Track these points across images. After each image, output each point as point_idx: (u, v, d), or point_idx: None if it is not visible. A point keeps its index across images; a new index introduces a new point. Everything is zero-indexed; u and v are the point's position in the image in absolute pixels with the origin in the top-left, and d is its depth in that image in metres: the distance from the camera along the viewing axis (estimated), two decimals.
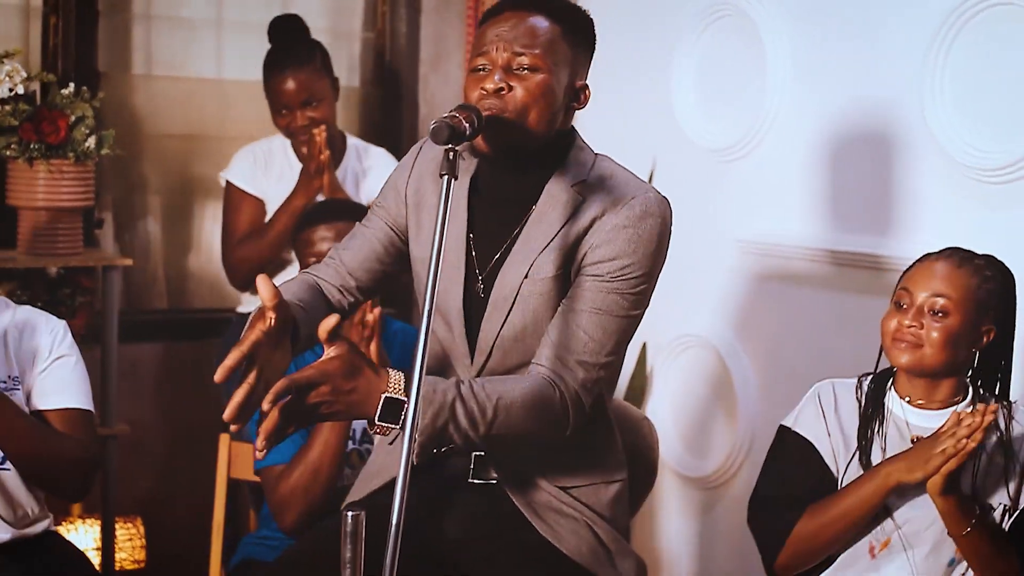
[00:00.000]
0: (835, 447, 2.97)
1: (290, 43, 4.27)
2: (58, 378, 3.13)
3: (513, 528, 2.66)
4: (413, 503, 2.14)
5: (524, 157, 2.60)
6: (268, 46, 4.81)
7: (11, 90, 3.82)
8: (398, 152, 4.82)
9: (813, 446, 2.98)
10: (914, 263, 2.98)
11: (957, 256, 2.92)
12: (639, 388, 4.47)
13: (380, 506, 2.19)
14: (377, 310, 3.20)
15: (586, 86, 2.66)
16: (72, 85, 4.04)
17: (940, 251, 2.96)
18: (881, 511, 2.89)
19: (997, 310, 2.92)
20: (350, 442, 3.44)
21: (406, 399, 2.33)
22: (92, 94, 4.07)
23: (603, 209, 2.58)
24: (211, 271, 4.90)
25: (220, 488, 3.61)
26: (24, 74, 3.87)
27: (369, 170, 4.37)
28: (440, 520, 2.70)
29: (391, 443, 2.62)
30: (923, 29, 3.64)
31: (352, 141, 4.37)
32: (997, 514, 2.89)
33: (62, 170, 3.94)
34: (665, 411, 4.44)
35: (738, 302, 4.27)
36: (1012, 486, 2.89)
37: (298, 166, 4.24)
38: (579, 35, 2.63)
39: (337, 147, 4.27)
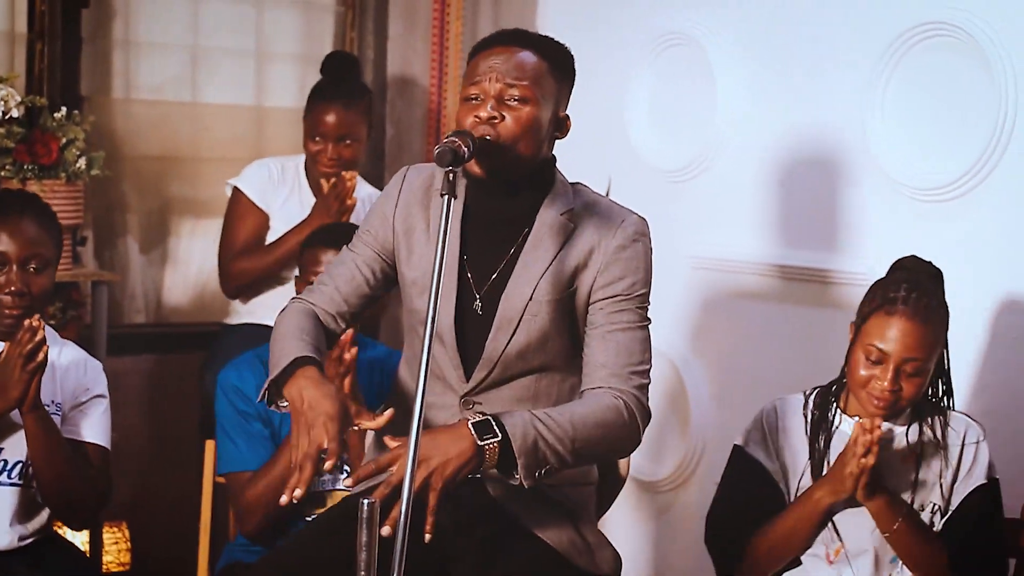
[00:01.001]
0: (784, 466, 3.12)
1: (344, 79, 4.33)
2: (91, 415, 3.29)
3: (499, 518, 2.78)
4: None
5: (513, 182, 2.74)
6: (241, 71, 4.84)
7: (5, 113, 3.89)
8: (364, 170, 4.83)
9: (763, 466, 3.13)
10: (879, 308, 3.01)
11: (921, 309, 2.98)
12: None
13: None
14: (354, 350, 3.20)
15: (567, 117, 2.81)
16: (64, 109, 4.11)
17: (901, 300, 2.99)
18: (828, 525, 3.05)
19: (945, 340, 3.08)
20: None
21: (486, 415, 2.53)
22: (80, 118, 4.15)
23: (598, 237, 2.75)
24: (188, 287, 4.93)
25: (207, 492, 3.67)
26: (18, 98, 3.93)
27: None
28: None
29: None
30: (866, 58, 3.74)
31: (362, 184, 4.38)
32: (927, 515, 3.04)
33: (54, 190, 4.00)
34: None
35: (692, 315, 4.33)
36: (945, 488, 3.05)
37: (307, 189, 4.28)
38: (563, 70, 2.78)
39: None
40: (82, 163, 4.07)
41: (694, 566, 4.29)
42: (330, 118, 4.20)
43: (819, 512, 3.03)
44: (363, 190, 4.39)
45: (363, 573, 2.20)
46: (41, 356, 3.00)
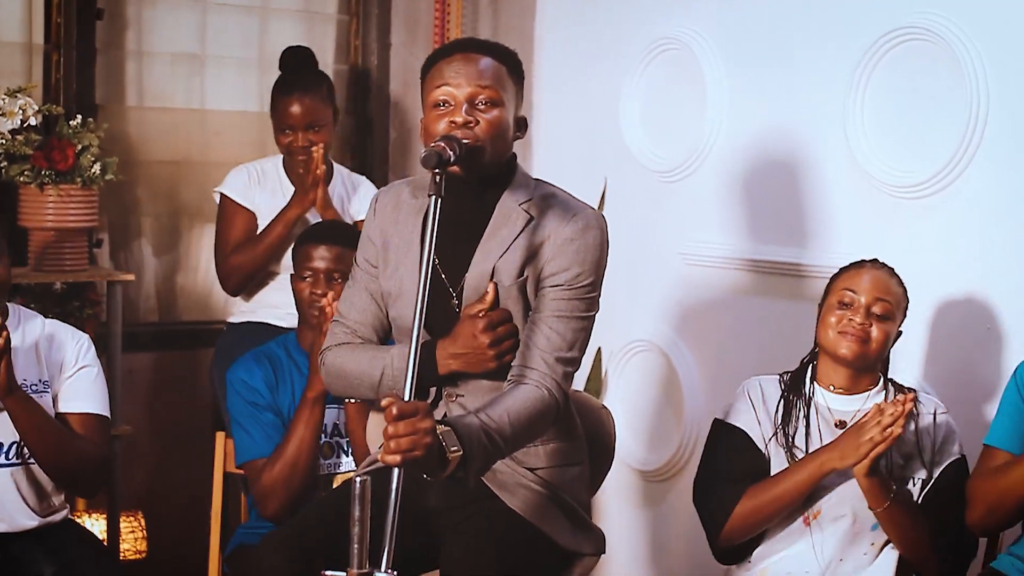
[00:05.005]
0: (764, 433, 3.28)
1: (301, 71, 4.41)
2: (81, 386, 3.41)
3: (483, 499, 2.92)
4: (402, 479, 2.44)
5: (481, 180, 2.85)
6: (246, 79, 4.91)
7: (23, 122, 3.99)
8: (369, 171, 4.99)
9: (746, 433, 3.28)
10: (848, 268, 3.26)
11: (886, 268, 3.24)
12: (595, 389, 4.60)
13: (377, 479, 2.45)
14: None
15: (525, 118, 2.94)
16: (79, 117, 4.19)
17: (868, 261, 3.27)
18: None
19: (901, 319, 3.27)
20: (323, 435, 3.62)
21: (448, 425, 2.58)
22: (95, 125, 4.23)
23: (551, 229, 2.84)
24: (198, 287, 5.00)
25: (217, 481, 3.77)
26: (36, 107, 4.02)
27: (358, 188, 4.49)
28: (422, 493, 2.95)
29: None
30: (846, 62, 3.85)
31: (338, 168, 4.48)
32: (915, 488, 3.19)
33: (70, 194, 4.11)
34: (619, 410, 4.44)
35: (682, 309, 4.44)
36: (926, 459, 3.20)
37: (288, 185, 4.34)
38: (517, 73, 2.90)
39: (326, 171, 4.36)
40: (96, 168, 4.17)
41: (688, 551, 4.39)
42: (295, 108, 4.29)
43: (819, 476, 3.14)
44: (339, 174, 4.50)
45: (356, 545, 2.32)
46: (1, 342, 3.10)
